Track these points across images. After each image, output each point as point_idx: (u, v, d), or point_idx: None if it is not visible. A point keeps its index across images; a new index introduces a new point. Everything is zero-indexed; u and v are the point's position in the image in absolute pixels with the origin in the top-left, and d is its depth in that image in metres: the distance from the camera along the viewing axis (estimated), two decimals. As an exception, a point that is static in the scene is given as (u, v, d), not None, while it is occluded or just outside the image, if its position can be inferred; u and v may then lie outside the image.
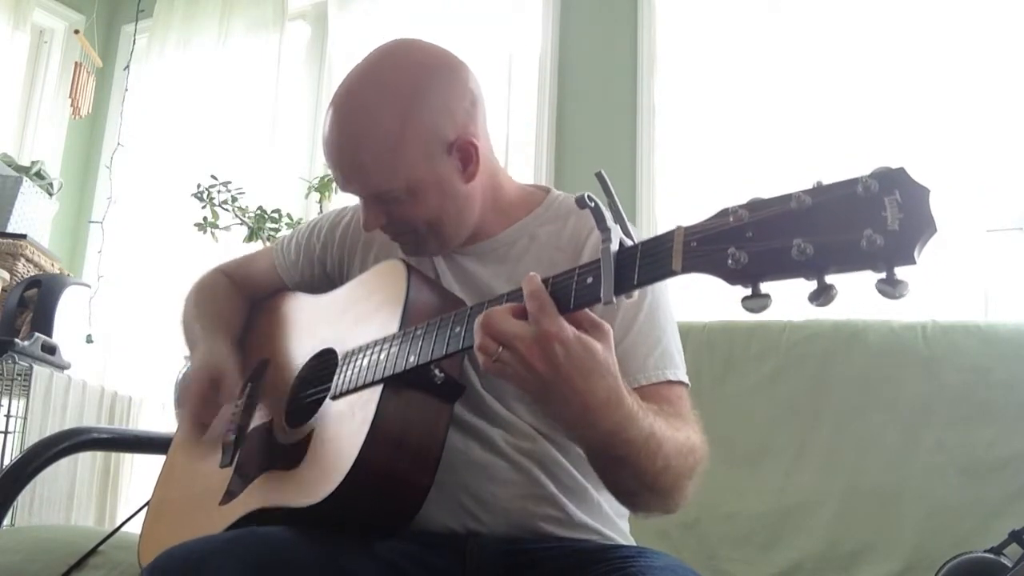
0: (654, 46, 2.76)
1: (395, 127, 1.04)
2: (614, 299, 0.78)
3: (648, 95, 2.72)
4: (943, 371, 1.57)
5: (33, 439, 2.26)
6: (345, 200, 1.38)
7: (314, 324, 1.21)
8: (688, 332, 1.72)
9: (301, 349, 1.19)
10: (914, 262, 0.62)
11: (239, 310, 1.35)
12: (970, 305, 2.12)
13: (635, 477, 0.92)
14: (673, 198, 2.66)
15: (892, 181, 0.64)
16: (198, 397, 1.17)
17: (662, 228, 1.12)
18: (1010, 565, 1.26)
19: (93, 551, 1.37)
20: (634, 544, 1.13)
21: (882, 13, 2.44)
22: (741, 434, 1.67)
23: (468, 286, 1.14)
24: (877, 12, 2.44)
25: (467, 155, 1.09)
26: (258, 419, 1.17)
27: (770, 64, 2.57)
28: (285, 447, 1.07)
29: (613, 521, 1.11)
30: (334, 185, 2.71)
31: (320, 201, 2.74)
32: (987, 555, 1.30)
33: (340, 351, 1.09)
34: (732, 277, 0.69)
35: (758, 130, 2.54)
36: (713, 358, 1.73)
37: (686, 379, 1.08)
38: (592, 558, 1.00)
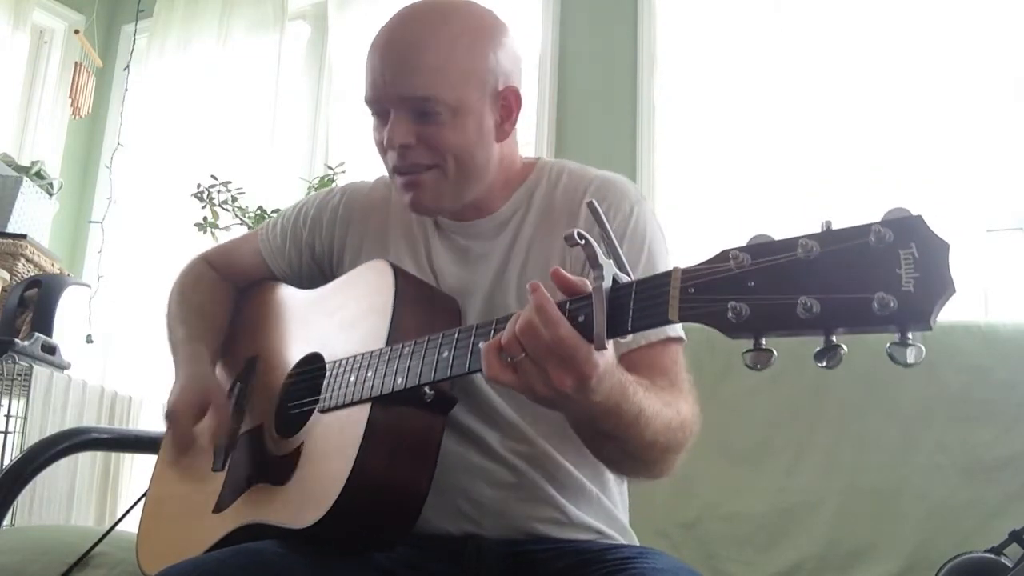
0: (654, 46, 2.76)
1: (465, 42, 1.04)
2: (607, 345, 0.74)
3: (648, 95, 2.72)
4: (943, 371, 1.57)
5: (33, 439, 2.26)
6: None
7: (301, 324, 1.20)
8: (688, 332, 1.71)
9: (289, 350, 1.18)
10: (930, 328, 0.57)
11: (224, 304, 1.32)
12: (970, 305, 2.12)
13: (620, 450, 0.91)
14: (673, 199, 2.66)
15: (908, 232, 0.58)
16: (187, 421, 1.13)
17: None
18: (1010, 565, 1.26)
19: (93, 550, 1.37)
20: (636, 542, 1.13)
21: (884, 11, 2.43)
22: (741, 434, 1.67)
23: (465, 266, 1.13)
24: (878, 10, 2.44)
25: (508, 110, 1.08)
26: (248, 423, 1.17)
27: (771, 63, 2.56)
28: (274, 459, 1.06)
29: (614, 516, 1.11)
30: (334, 185, 2.71)
31: (320, 201, 2.73)
32: (987, 555, 1.30)
33: (327, 357, 1.07)
34: (732, 330, 0.65)
35: (758, 129, 2.53)
36: (713, 358, 1.72)
37: (683, 334, 1.06)
38: (592, 559, 1.00)
